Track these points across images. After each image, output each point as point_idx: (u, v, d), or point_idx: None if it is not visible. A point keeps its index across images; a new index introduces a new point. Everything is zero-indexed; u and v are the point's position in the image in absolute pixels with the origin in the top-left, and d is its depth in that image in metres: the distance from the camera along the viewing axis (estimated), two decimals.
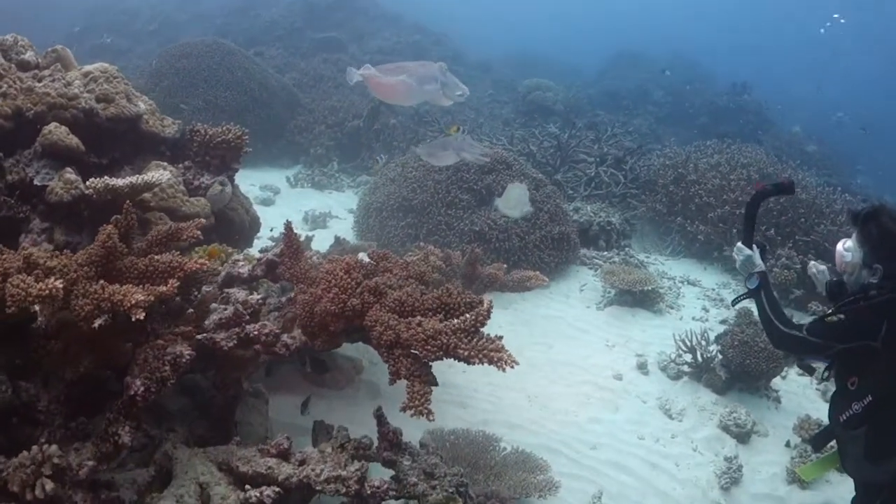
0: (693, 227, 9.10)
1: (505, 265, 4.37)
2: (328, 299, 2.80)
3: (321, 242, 6.42)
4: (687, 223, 9.22)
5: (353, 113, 12.36)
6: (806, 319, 6.51)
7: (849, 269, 3.10)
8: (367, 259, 3.31)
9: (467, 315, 2.53)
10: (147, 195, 4.21)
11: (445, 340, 2.43)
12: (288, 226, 3.48)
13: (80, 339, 2.45)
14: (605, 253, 8.35)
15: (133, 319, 2.16)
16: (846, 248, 3.12)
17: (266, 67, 12.95)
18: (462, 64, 19.86)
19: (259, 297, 3.18)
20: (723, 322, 7.12)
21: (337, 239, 6.04)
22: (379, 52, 17.94)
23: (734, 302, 3.77)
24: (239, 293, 3.32)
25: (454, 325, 2.47)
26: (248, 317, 2.97)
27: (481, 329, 2.59)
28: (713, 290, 8.10)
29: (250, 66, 12.20)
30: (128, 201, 2.85)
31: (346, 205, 9.61)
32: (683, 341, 5.96)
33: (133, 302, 2.16)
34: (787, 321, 3.19)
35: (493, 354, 2.42)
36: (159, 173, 3.95)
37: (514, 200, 5.98)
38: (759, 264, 3.48)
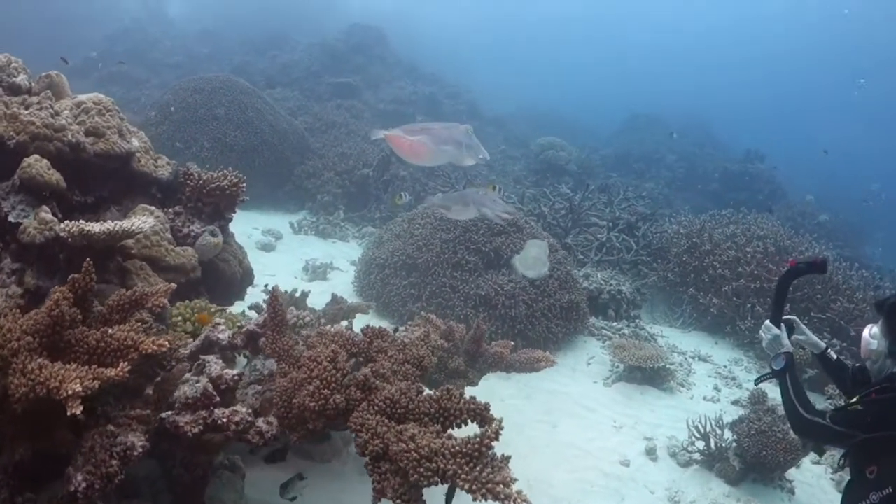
0: (706, 299, 8.79)
1: (512, 343, 4.02)
2: (308, 393, 2.45)
3: (320, 296, 6.09)
4: (699, 295, 8.93)
5: (363, 161, 12.17)
6: (824, 404, 6.20)
7: (873, 357, 3.02)
8: (358, 336, 2.97)
9: (472, 437, 2.15)
10: (129, 241, 3.89)
11: (443, 465, 2.05)
12: (273, 294, 3.14)
13: (15, 421, 2.11)
14: (615, 324, 7.99)
15: (69, 413, 1.83)
16: (872, 335, 3.02)
17: (278, 109, 12.82)
18: (477, 118, 19.88)
19: (235, 373, 2.83)
20: (735, 403, 6.78)
21: (334, 297, 5.70)
22: (394, 100, 17.92)
23: (757, 381, 3.63)
24: (213, 365, 2.97)
25: (454, 448, 2.09)
26: (218, 398, 2.61)
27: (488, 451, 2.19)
28: (725, 367, 7.77)
29: (262, 107, 12.05)
30: (88, 260, 2.52)
31: (350, 256, 9.30)
32: (697, 427, 5.56)
33: (69, 392, 1.82)
34: (810, 407, 3.08)
35: (499, 490, 2.03)
36: (141, 220, 3.63)
37: (532, 260, 5.65)
38: (787, 345, 3.35)
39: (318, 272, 8.38)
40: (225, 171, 4.79)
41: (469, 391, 2.86)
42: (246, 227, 9.61)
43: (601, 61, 51.23)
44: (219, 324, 3.60)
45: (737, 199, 14.77)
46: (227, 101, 11.58)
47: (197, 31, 23.61)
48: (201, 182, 4.69)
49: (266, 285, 6.30)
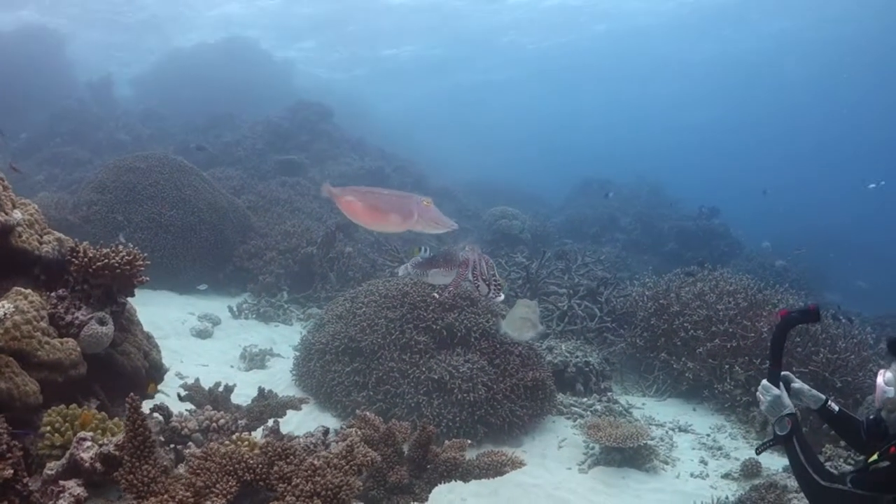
0: (679, 363, 8.22)
1: (469, 442, 3.28)
2: None
3: (262, 385, 5.29)
4: (672, 359, 8.36)
5: (307, 239, 11.52)
6: (840, 466, 5.54)
7: (889, 406, 2.79)
8: (257, 457, 2.22)
9: None
10: None
11: None
12: (132, 404, 2.35)
13: None
14: (585, 399, 7.31)
15: None
16: (887, 381, 2.80)
17: (219, 187, 12.18)
18: (425, 190, 19.53)
19: None
20: (726, 476, 6.10)
21: (261, 391, 4.91)
22: (340, 176, 17.49)
23: (759, 450, 3.20)
24: (70, 492, 2.19)
25: None
26: None
27: None
28: (708, 435, 7.13)
29: (200, 185, 11.40)
30: None
31: (293, 340, 8.56)
32: None
33: None
34: (826, 473, 2.77)
35: None
36: None
37: (520, 321, 4.94)
38: (789, 405, 3.02)
39: (255, 360, 7.64)
40: (116, 247, 4.06)
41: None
42: (181, 312, 8.97)
43: (550, 131, 52.46)
44: (84, 439, 2.82)
45: (695, 257, 14.53)
46: (163, 180, 10.93)
47: (141, 111, 23.16)
48: (87, 260, 3.94)
49: (184, 378, 5.46)
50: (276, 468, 2.20)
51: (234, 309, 9.59)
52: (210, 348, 8.03)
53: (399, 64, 39.73)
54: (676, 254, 17.55)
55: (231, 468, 2.14)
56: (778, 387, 3.05)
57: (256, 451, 2.41)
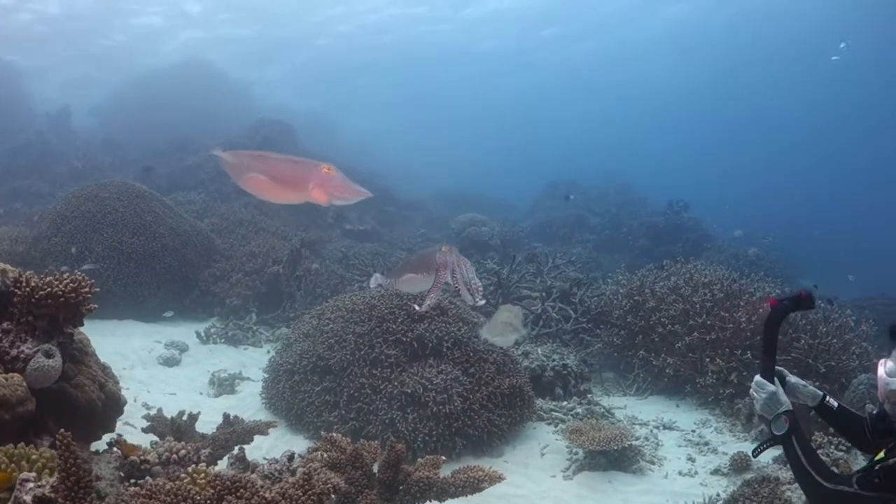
0: (658, 359, 8.10)
1: (443, 459, 3.06)
2: None
3: (231, 411, 5.03)
4: (651, 356, 8.24)
5: (272, 258, 11.26)
6: (831, 454, 5.41)
7: (893, 398, 2.57)
8: (203, 494, 2.00)
9: None
10: None
11: None
12: (62, 442, 2.09)
13: None
14: (565, 403, 7.12)
15: None
16: (889, 371, 2.57)
17: (181, 212, 11.90)
18: (393, 203, 19.44)
19: None
20: (715, 472, 5.94)
21: (226, 418, 4.66)
22: None
23: (756, 452, 2.94)
24: None
25: None
26: None
27: None
28: (693, 431, 7.00)
29: (161, 210, 11.10)
30: None
31: (263, 362, 8.26)
32: None
33: None
34: (829, 473, 2.60)
35: None
36: None
37: (502, 325, 4.73)
38: (785, 402, 2.82)
39: (224, 385, 7.39)
40: (60, 275, 3.81)
41: None
42: (147, 341, 8.68)
43: (513, 138, 52.62)
44: (27, 480, 2.57)
45: (667, 252, 14.49)
46: (122, 207, 10.62)
47: (100, 140, 22.71)
48: (29, 290, 3.68)
49: (149, 410, 5.19)
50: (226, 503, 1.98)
51: (202, 334, 9.31)
52: (178, 376, 7.76)
53: (365, 81, 39.81)
54: (647, 250, 17.52)
55: None
56: (773, 383, 2.86)
57: (206, 484, 2.18)
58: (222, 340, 9.35)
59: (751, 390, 2.91)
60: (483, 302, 3.34)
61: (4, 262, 4.13)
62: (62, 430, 2.09)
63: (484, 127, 51.58)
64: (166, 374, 7.79)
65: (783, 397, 2.82)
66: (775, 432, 2.76)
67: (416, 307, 3.30)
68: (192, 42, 31.72)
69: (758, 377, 2.87)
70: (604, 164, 30.70)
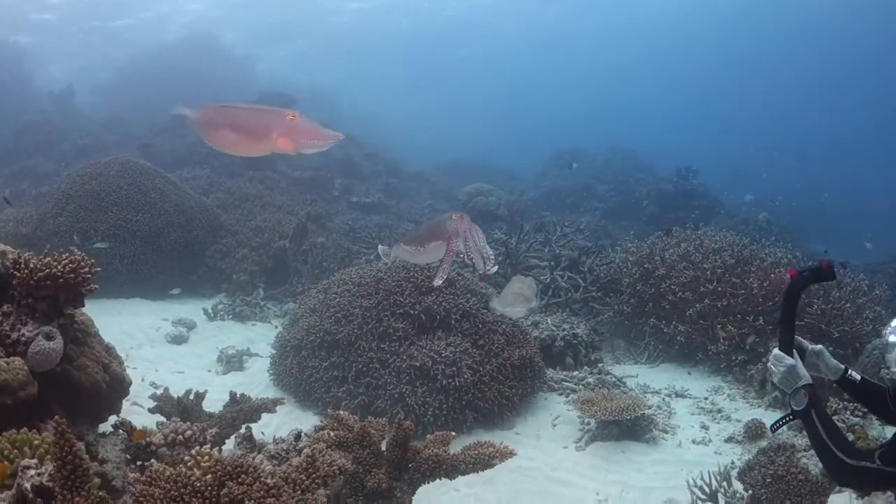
0: (669, 327, 8.02)
1: (453, 434, 2.98)
2: None
3: (239, 389, 4.97)
4: (662, 324, 8.17)
5: (279, 233, 11.19)
6: (847, 419, 5.34)
7: None
8: (204, 481, 1.93)
9: None
10: None
11: None
12: (59, 429, 2.01)
13: None
14: (576, 373, 7.06)
15: None
16: None
17: (185, 188, 11.81)
18: (398, 176, 19.32)
19: None
20: (729, 440, 5.90)
21: (232, 396, 4.59)
22: (310, 167, 17.07)
23: (774, 427, 2.85)
24: None
25: None
26: None
27: None
28: (706, 398, 6.94)
29: (165, 187, 11.01)
30: None
31: (270, 338, 8.22)
32: (700, 487, 4.59)
33: None
34: (851, 449, 2.52)
35: None
36: None
37: (513, 296, 4.64)
38: (805, 376, 2.70)
39: (233, 362, 7.35)
40: (58, 255, 3.73)
41: None
42: (155, 319, 8.64)
43: (517, 105, 52.07)
44: (28, 467, 2.52)
45: (676, 218, 14.32)
46: (126, 184, 10.53)
47: (104, 118, 22.63)
48: (28, 272, 3.60)
49: (159, 387, 5.15)
50: (226, 490, 1.91)
51: (210, 311, 9.27)
52: (186, 353, 7.73)
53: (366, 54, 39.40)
54: (656, 217, 17.34)
55: (177, 494, 1.85)
56: (791, 355, 2.75)
57: (207, 469, 2.11)
58: (230, 317, 9.31)
59: (768, 363, 2.82)
60: (495, 269, 3.25)
61: (8, 243, 4.05)
62: (56, 417, 2.02)
63: (489, 98, 51.04)
64: (174, 352, 7.78)
65: (802, 371, 2.71)
66: (794, 407, 2.67)
67: (439, 281, 3.18)
68: (199, 17, 31.38)
69: (776, 350, 2.77)
70: (609, 133, 30.29)
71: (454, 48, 40.65)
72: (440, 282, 3.31)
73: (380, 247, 4.01)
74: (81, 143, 19.29)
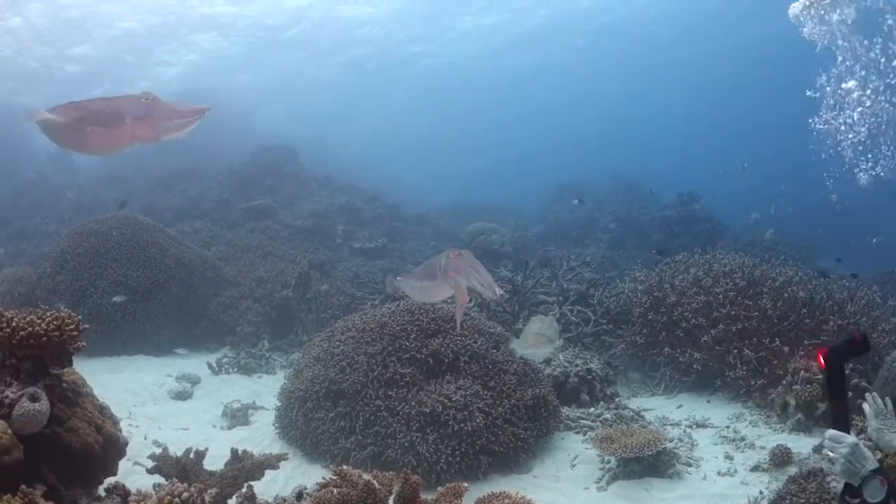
0: (684, 356, 7.84)
1: (466, 487, 2.76)
2: None
3: (242, 444, 4.77)
4: (676, 352, 7.98)
5: (281, 282, 11.10)
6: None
7: None
8: None
9: None
10: None
11: None
12: (26, 498, 1.83)
13: None
14: (592, 409, 6.84)
15: None
16: None
17: (186, 242, 11.79)
18: (401, 219, 19.32)
19: None
20: (755, 468, 5.67)
21: (234, 453, 4.39)
22: (311, 215, 17.07)
23: None
24: None
25: None
26: None
27: None
28: (727, 427, 6.74)
29: (165, 242, 10.97)
30: None
31: (276, 390, 8.02)
32: None
33: None
34: None
35: None
36: None
37: (533, 337, 4.47)
38: (870, 457, 2.35)
39: (238, 416, 7.16)
40: (42, 312, 3.59)
41: None
42: (158, 375, 8.49)
43: (523, 143, 52.27)
44: None
45: (682, 245, 14.17)
46: (126, 241, 10.50)
47: (104, 176, 22.61)
48: (10, 331, 3.46)
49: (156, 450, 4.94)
50: None
51: (214, 365, 9.12)
52: (190, 409, 7.56)
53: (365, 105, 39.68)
54: (662, 245, 17.19)
55: None
56: (849, 432, 2.42)
57: None
58: (235, 370, 9.17)
59: (825, 450, 2.51)
60: (501, 292, 3.12)
61: (5, 303, 3.93)
62: (23, 487, 1.85)
63: (488, 137, 51.30)
64: (178, 408, 7.61)
65: (866, 451, 2.38)
66: (870, 500, 2.31)
67: (458, 319, 3.10)
68: (193, 68, 31.65)
69: (830, 432, 2.46)
70: (610, 164, 30.30)
71: (453, 93, 40.93)
72: (459, 328, 3.19)
73: (389, 279, 3.92)
74: (70, 195, 19.32)
